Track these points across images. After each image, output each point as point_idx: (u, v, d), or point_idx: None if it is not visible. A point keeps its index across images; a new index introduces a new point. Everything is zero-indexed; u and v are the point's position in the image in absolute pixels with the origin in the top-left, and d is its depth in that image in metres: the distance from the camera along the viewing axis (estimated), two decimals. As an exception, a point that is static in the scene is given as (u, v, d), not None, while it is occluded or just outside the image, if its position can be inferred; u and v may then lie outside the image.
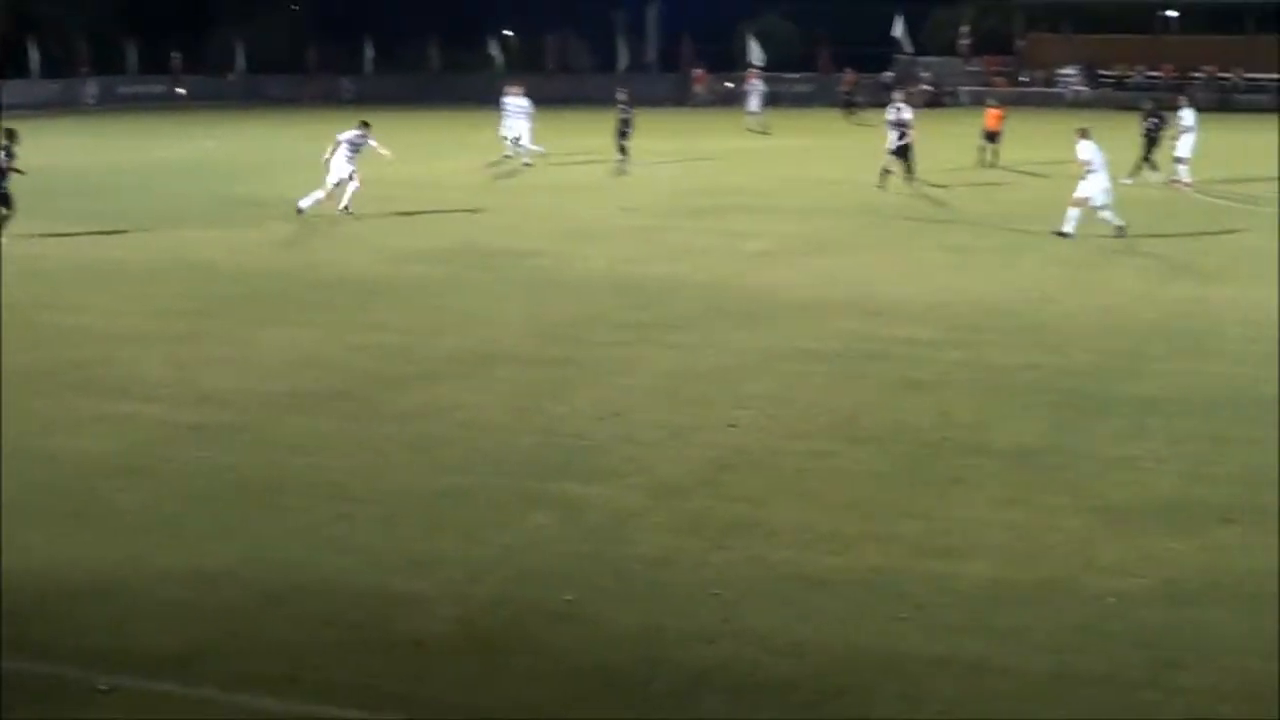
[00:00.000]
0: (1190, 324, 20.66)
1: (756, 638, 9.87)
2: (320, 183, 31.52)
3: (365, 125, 32.76)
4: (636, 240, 28.89)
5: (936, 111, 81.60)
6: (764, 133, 60.98)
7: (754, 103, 65.68)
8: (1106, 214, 28.36)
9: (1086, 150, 28.48)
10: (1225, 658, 9.60)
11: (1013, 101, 72.85)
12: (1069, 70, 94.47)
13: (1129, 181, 37.60)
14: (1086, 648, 9.73)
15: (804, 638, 9.85)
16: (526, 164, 44.59)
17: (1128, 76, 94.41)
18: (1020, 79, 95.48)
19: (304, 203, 31.36)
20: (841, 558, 11.25)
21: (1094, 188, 28.27)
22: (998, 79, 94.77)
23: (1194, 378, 17.37)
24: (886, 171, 37.35)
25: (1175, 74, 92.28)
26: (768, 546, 11.48)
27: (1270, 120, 75.62)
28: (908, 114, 39.08)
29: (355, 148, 32.00)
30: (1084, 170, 28.43)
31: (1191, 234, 29.88)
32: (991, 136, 45.14)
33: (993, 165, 43.90)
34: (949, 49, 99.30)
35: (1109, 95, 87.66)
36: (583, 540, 11.68)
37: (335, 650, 9.74)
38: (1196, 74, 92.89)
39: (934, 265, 25.83)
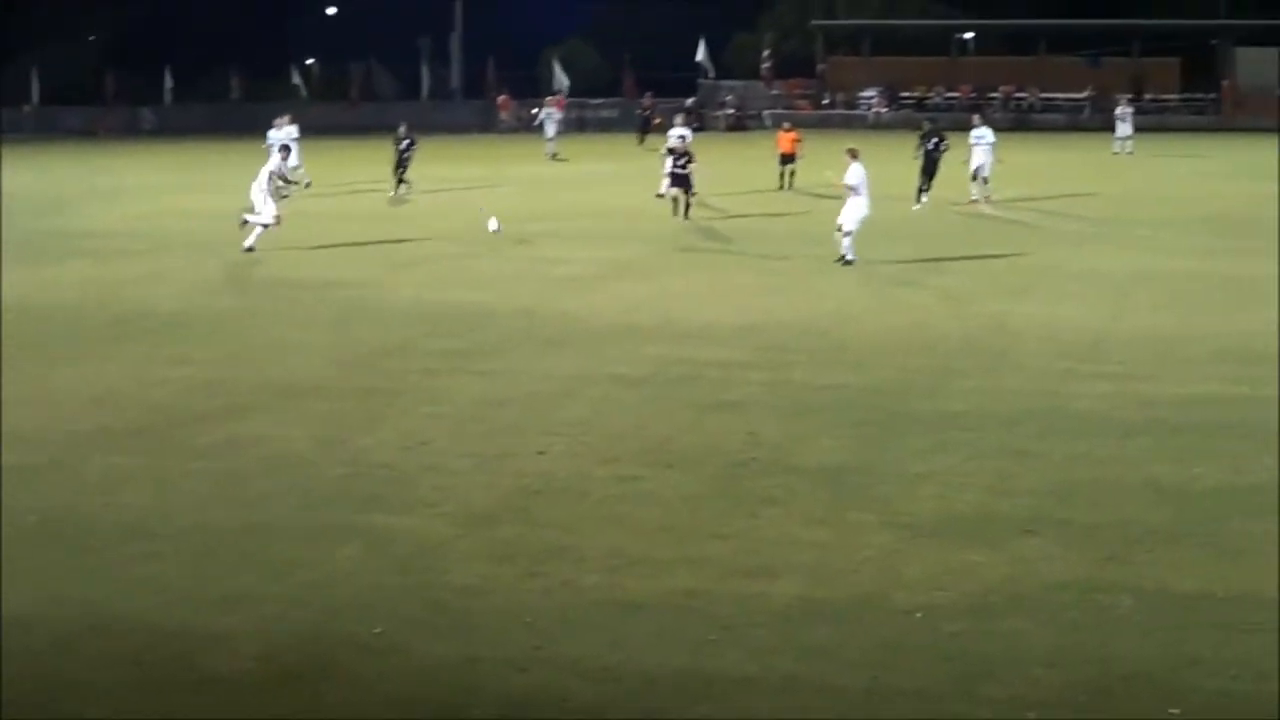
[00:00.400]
0: (992, 341, 21.02)
1: (569, 664, 9.86)
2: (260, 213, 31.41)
3: (286, 150, 32.51)
4: (444, 267, 28.80)
5: (740, 135, 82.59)
6: (561, 159, 60.91)
7: (550, 129, 65.33)
8: (846, 240, 27.86)
9: (854, 174, 28.06)
10: (1030, 667, 9.76)
11: (815, 124, 73.95)
12: (869, 92, 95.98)
13: (919, 206, 38.16)
14: (896, 663, 9.84)
15: (616, 662, 9.85)
16: (308, 185, 44.74)
17: (927, 97, 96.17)
18: (823, 101, 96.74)
19: (249, 240, 31.00)
20: (652, 581, 11.28)
21: (853, 212, 27.86)
22: (800, 102, 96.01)
23: (996, 393, 17.66)
24: (675, 201, 36.38)
25: (973, 94, 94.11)
26: (579, 572, 11.47)
27: (1065, 139, 77.47)
28: (687, 138, 39.16)
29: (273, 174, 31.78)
30: (848, 193, 28.03)
31: (993, 252, 30.40)
32: (787, 159, 45.34)
33: (791, 188, 44.17)
34: (752, 73, 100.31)
35: (910, 116, 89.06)
36: (392, 572, 11.59)
37: (141, 691, 9.57)
38: (993, 94, 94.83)
39: (739, 288, 26.02)
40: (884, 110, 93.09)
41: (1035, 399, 17.32)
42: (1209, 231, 34.29)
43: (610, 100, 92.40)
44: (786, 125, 48.23)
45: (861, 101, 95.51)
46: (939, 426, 15.99)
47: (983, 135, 40.22)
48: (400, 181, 43.72)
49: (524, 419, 16.44)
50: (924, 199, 38.77)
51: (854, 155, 28.50)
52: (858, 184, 27.86)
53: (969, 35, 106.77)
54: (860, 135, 68.94)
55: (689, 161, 36.63)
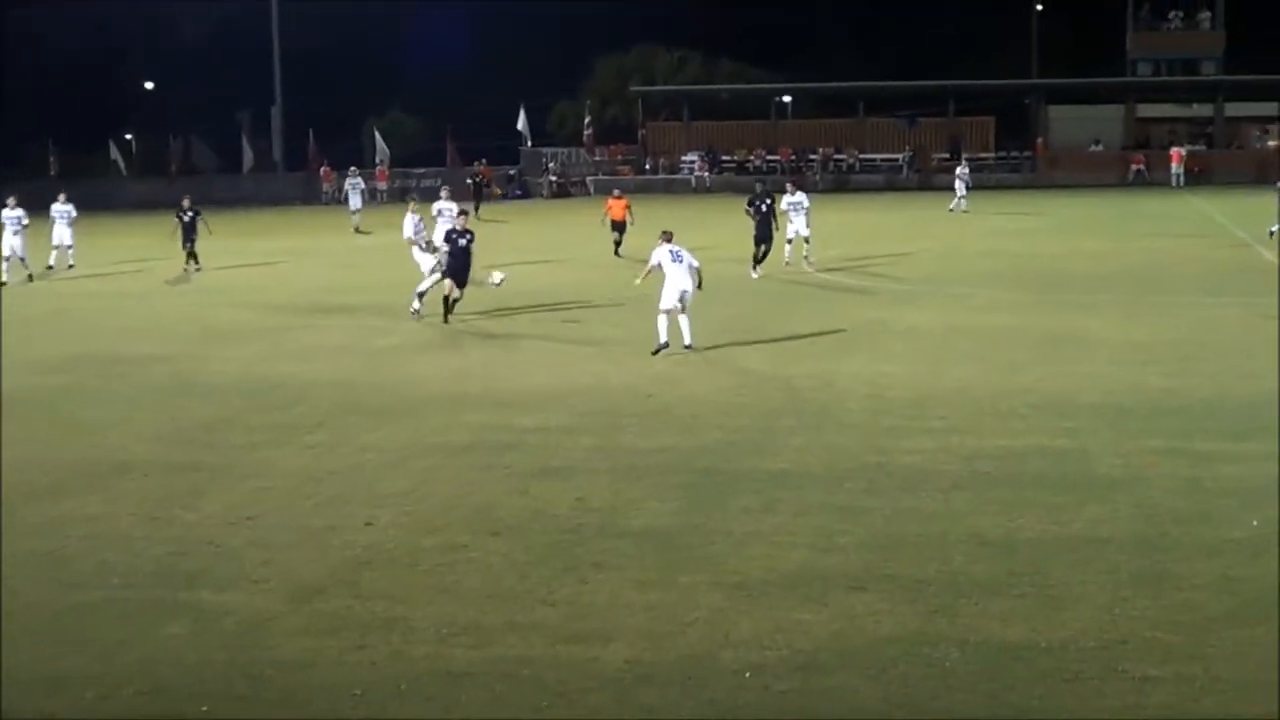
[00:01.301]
0: (818, 399, 21.18)
1: (399, 737, 9.77)
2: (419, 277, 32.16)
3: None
4: (268, 340, 28.53)
5: (564, 201, 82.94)
6: (365, 231, 60.09)
7: (355, 201, 64.18)
8: (663, 319, 25.48)
9: (655, 255, 26.20)
10: (859, 722, 9.83)
11: (637, 189, 74.52)
12: (691, 157, 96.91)
13: (756, 274, 38.22)
14: (726, 723, 9.86)
15: (447, 733, 9.77)
16: (71, 266, 44.54)
17: (749, 161, 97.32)
18: (645, 166, 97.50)
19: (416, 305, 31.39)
20: (482, 650, 11.20)
21: (666, 293, 25.59)
22: (622, 167, 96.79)
23: (822, 451, 17.79)
24: (446, 300, 30.53)
25: (793, 156, 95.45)
26: (408, 643, 11.36)
27: (884, 198, 78.70)
28: (451, 212, 38.30)
29: (419, 232, 32.81)
30: (649, 273, 26.51)
31: (817, 312, 30.73)
32: (618, 226, 45.41)
33: (617, 255, 44.15)
34: (574, 139, 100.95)
35: (731, 180, 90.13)
36: (218, 648, 11.39)
37: (-42, 782, 9.33)
38: (813, 155, 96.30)
39: (565, 354, 26.04)
40: (706, 174, 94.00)
41: (861, 456, 17.48)
42: (1025, 287, 34.99)
43: (434, 169, 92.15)
44: (617, 192, 48.30)
45: (683, 166, 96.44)
46: (767, 486, 16.08)
47: (799, 201, 40.59)
48: (190, 256, 43.20)
49: (350, 491, 16.29)
50: (759, 268, 38.32)
51: (667, 238, 26.41)
52: (658, 264, 26.02)
53: (787, 99, 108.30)
54: (683, 199, 69.63)
55: (470, 241, 30.82)
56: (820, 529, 14.37)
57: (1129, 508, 14.93)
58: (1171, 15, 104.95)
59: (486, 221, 61.71)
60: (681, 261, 25.87)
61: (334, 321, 31.06)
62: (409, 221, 33.14)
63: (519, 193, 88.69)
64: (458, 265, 30.33)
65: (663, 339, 25.40)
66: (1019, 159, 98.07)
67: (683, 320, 25.72)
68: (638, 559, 13.52)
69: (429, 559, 13.65)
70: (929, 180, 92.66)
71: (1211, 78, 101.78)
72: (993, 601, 12.08)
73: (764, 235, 38.31)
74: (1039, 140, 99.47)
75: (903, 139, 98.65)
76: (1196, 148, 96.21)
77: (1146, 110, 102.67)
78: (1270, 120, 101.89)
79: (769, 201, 38.75)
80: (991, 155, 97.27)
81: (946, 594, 12.28)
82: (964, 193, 66.33)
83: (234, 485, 16.71)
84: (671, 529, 14.50)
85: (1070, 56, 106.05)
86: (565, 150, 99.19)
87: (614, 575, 13.03)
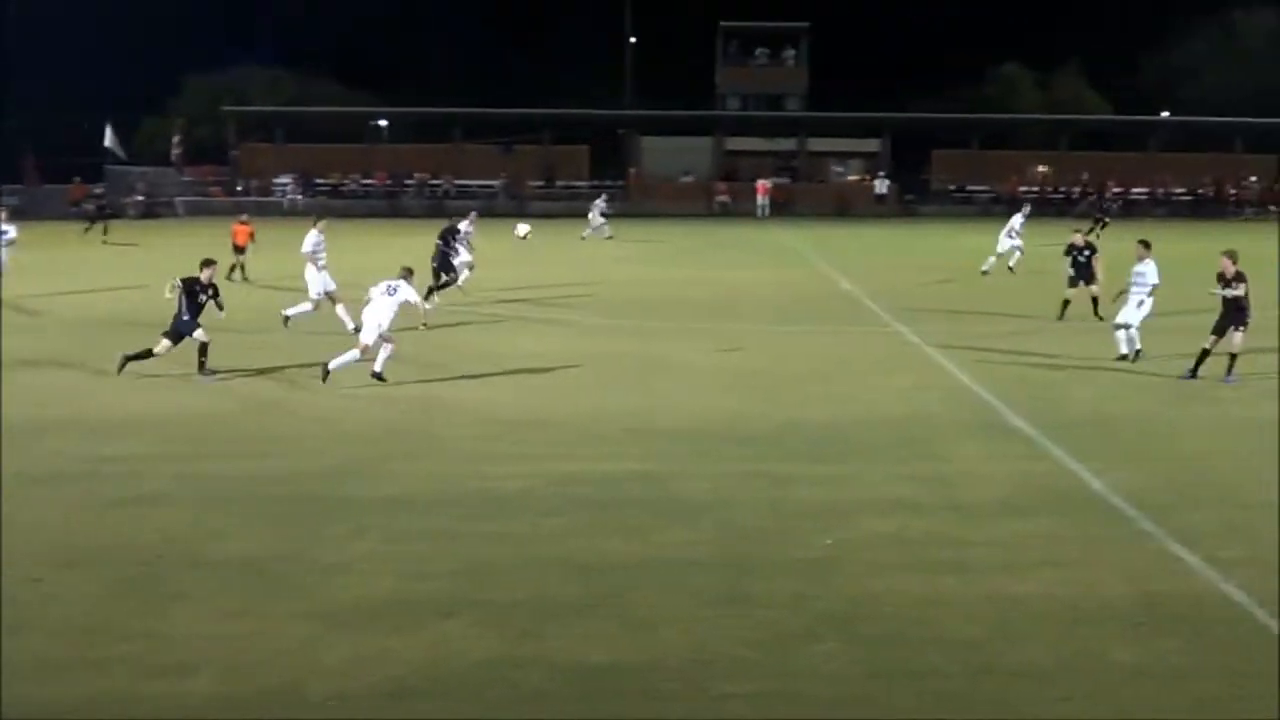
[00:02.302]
0: (424, 425, 21.06)
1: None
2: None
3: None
4: None
5: (151, 222, 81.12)
6: None
7: None
8: (353, 354, 24.50)
9: (374, 289, 25.24)
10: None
11: (229, 211, 73.37)
12: (284, 179, 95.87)
13: (430, 305, 37.43)
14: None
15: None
16: None
17: (343, 184, 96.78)
18: (236, 188, 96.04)
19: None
20: (55, 688, 10.78)
21: (368, 327, 24.65)
22: (214, 189, 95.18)
23: (419, 478, 17.71)
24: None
25: (389, 181, 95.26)
26: (-24, 683, 10.88)
27: (482, 225, 78.98)
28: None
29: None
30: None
31: (427, 337, 30.48)
32: (240, 250, 45.17)
33: (245, 279, 43.75)
34: (162, 159, 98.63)
35: (326, 203, 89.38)
36: None
37: None
38: (409, 181, 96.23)
39: (166, 379, 25.16)
40: (299, 197, 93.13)
41: (461, 481, 17.46)
42: (624, 313, 35.48)
43: (12, 188, 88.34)
44: (244, 218, 48.28)
45: (276, 188, 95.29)
46: (359, 513, 15.92)
47: (468, 232, 40.39)
48: None
49: (-83, 523, 15.54)
50: (435, 296, 37.66)
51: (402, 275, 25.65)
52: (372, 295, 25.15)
53: (384, 123, 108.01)
54: (277, 222, 68.71)
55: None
56: (413, 556, 14.31)
57: (712, 529, 15.26)
58: (758, 53, 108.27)
59: (113, 245, 60.52)
60: (394, 295, 24.84)
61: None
62: (310, 238, 32.16)
63: (109, 211, 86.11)
64: (191, 324, 25.50)
65: (333, 365, 24.27)
66: (612, 188, 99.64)
67: (384, 350, 24.68)
68: (222, 589, 13.22)
69: None
70: (525, 208, 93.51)
71: (795, 114, 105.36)
72: (580, 624, 12.20)
73: (446, 266, 38.02)
74: (632, 170, 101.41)
75: (498, 165, 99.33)
76: (781, 180, 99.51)
77: (735, 143, 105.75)
78: (850, 155, 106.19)
79: (457, 234, 38.72)
80: (585, 184, 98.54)
81: (535, 618, 12.35)
82: (603, 221, 67.68)
83: None
84: (258, 558, 14.23)
85: (663, 89, 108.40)
86: (153, 169, 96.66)
87: (197, 607, 12.71)
